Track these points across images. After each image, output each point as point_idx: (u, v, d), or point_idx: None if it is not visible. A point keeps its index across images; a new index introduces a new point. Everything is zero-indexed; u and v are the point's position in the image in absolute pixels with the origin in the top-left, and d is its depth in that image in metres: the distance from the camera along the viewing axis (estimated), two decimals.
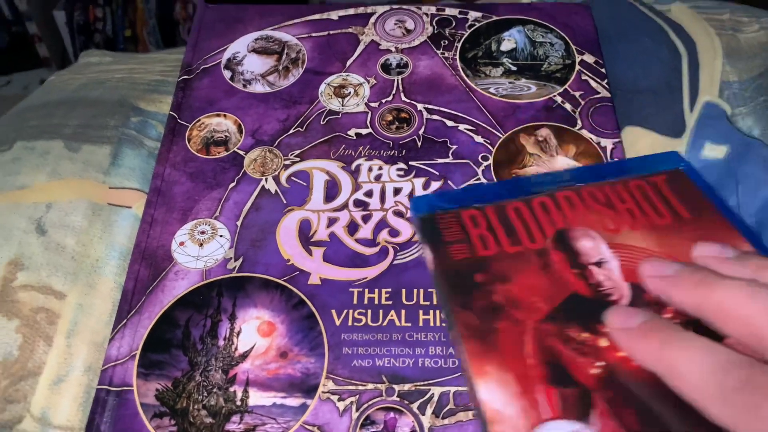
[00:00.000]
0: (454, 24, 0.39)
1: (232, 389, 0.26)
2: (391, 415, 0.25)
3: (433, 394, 0.26)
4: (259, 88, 0.36)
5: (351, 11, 0.40)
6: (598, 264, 0.26)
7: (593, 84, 0.35)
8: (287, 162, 0.33)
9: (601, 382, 0.22)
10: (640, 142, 0.34)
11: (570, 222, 0.28)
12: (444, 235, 0.28)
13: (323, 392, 0.26)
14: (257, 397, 0.26)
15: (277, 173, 0.33)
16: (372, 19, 0.39)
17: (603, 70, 0.36)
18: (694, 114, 0.34)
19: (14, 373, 0.28)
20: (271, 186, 0.32)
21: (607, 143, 0.33)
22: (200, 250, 0.30)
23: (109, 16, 1.41)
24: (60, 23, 1.41)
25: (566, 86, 0.35)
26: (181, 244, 0.30)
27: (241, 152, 0.33)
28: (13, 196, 0.33)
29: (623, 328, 0.22)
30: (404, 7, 0.40)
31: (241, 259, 0.30)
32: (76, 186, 0.33)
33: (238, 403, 0.26)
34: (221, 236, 0.30)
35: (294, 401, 0.26)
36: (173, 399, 0.26)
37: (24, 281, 0.30)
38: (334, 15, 0.40)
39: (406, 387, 0.26)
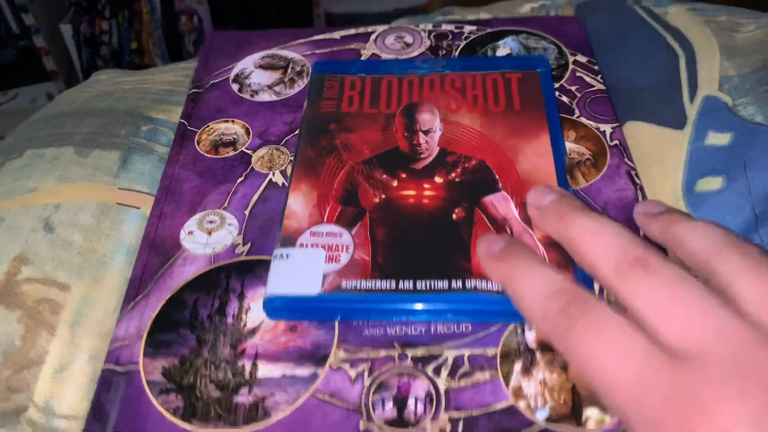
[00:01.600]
0: (450, 37, 0.40)
1: (240, 363, 0.25)
2: (405, 379, 0.24)
3: (447, 357, 0.25)
4: (266, 97, 0.38)
5: (353, 31, 0.42)
6: (426, 132, 0.33)
7: (588, 79, 0.36)
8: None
9: (376, 207, 0.30)
10: (643, 135, 0.34)
11: (423, 98, 0.35)
12: (324, 93, 0.36)
13: (334, 361, 0.25)
14: (266, 370, 0.25)
15: (284, 167, 0.33)
16: (372, 37, 0.41)
17: (596, 68, 0.37)
18: (695, 106, 0.34)
19: (17, 362, 0.27)
20: (278, 179, 0.33)
21: (606, 128, 0.33)
22: (209, 237, 0.30)
23: (115, 28, 1.43)
24: (67, 36, 1.42)
25: (562, 82, 0.36)
26: (190, 233, 0.30)
27: (249, 151, 0.34)
28: (22, 199, 0.33)
29: (487, 252, 0.25)
30: (402, 27, 0.42)
31: (249, 244, 0.30)
32: (86, 188, 0.34)
33: (247, 376, 0.25)
34: (230, 224, 0.31)
35: (304, 371, 0.25)
36: (180, 375, 0.25)
37: (28, 275, 0.30)
38: (337, 35, 0.42)
39: (419, 352, 0.25)
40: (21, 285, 0.29)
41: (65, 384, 0.27)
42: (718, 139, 0.33)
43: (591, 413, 0.23)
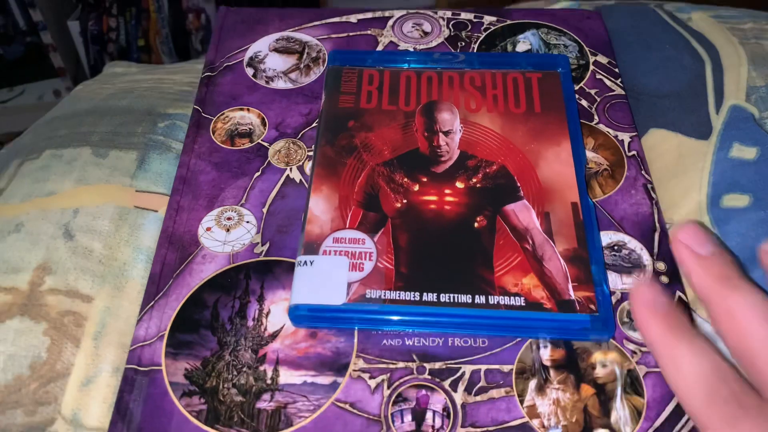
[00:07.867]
0: (469, 27, 0.40)
1: (261, 368, 0.26)
2: (423, 392, 0.25)
3: (464, 372, 0.26)
4: (281, 84, 0.37)
5: (369, 15, 0.41)
6: (446, 133, 0.33)
7: (608, 83, 0.36)
8: (311, 153, 0.33)
9: (398, 213, 0.30)
10: (665, 143, 0.34)
11: (443, 96, 0.35)
12: (342, 87, 0.35)
13: (354, 370, 0.26)
14: (287, 376, 0.26)
15: (301, 163, 0.33)
16: (390, 22, 0.40)
17: (617, 70, 0.37)
18: (721, 116, 0.34)
19: (43, 375, 0.27)
20: (296, 175, 0.33)
21: (625, 137, 0.33)
22: (227, 235, 0.30)
23: (123, 25, 1.42)
24: (74, 33, 1.42)
25: (581, 84, 0.36)
26: (208, 229, 0.31)
27: (266, 144, 0.34)
28: (41, 203, 0.33)
29: (646, 306, 0.24)
30: (421, 11, 0.41)
31: (267, 244, 0.30)
32: (103, 190, 0.33)
33: (269, 381, 0.26)
34: (248, 222, 0.31)
35: (325, 379, 0.26)
36: (203, 378, 0.26)
37: (51, 285, 0.30)
38: (353, 18, 0.41)
39: (437, 365, 0.26)
40: (45, 296, 0.29)
41: (91, 396, 0.27)
42: (744, 152, 0.32)
43: None
